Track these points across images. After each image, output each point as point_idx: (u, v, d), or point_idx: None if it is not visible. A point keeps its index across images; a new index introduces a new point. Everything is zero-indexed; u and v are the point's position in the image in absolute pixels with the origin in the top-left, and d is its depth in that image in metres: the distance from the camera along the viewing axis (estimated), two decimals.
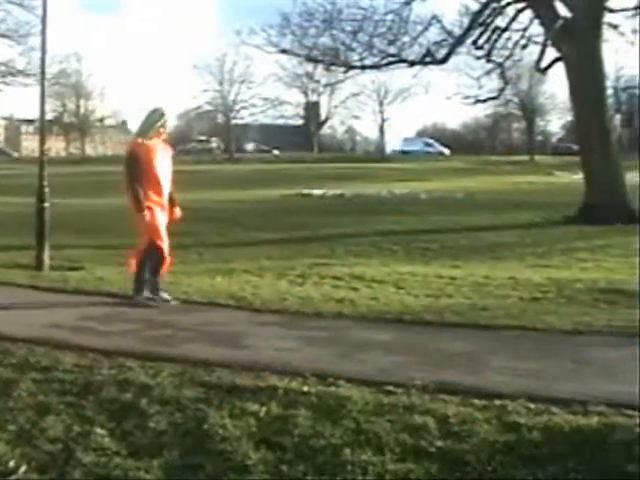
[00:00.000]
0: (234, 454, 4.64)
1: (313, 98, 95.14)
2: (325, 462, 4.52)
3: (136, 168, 9.15)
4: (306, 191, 32.50)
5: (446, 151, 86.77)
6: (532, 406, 5.45)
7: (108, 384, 6.02)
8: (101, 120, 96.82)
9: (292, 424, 5.11)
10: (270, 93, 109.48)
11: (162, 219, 9.39)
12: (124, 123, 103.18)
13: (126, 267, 9.92)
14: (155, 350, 7.13)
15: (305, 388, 5.89)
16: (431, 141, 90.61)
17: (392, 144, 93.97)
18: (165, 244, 9.37)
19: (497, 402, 5.53)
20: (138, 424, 5.19)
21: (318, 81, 76.40)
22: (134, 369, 6.42)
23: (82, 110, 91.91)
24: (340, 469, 4.42)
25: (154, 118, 9.41)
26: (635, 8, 25.21)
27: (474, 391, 5.83)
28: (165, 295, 9.44)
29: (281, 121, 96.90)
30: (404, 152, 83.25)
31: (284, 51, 32.54)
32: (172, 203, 9.66)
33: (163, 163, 9.38)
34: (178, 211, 9.76)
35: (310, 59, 33.97)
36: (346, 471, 4.39)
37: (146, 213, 9.10)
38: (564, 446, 4.74)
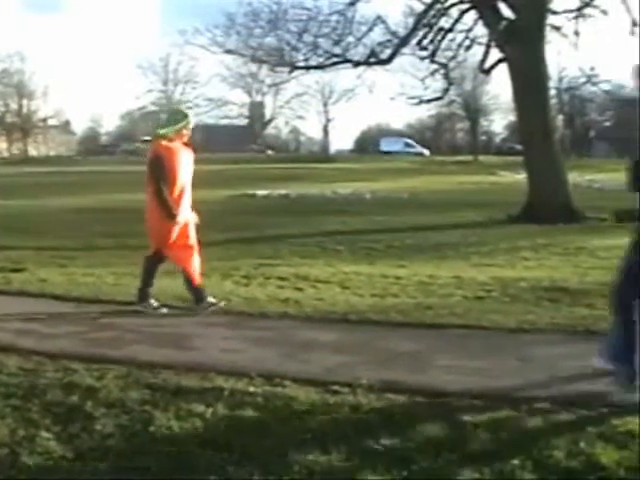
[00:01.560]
0: (181, 455, 4.63)
1: (257, 98, 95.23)
2: (272, 462, 4.52)
3: (162, 172, 8.71)
4: (251, 192, 32.41)
5: (426, 152, 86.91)
6: (477, 404, 5.50)
7: (53, 387, 5.97)
8: (44, 120, 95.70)
9: (238, 425, 5.11)
10: (214, 93, 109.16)
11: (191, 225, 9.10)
12: (67, 123, 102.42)
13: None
14: (100, 352, 7.07)
15: (251, 389, 5.90)
16: (411, 142, 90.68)
17: (336, 144, 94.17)
18: (195, 250, 9.10)
19: (442, 400, 5.58)
20: (84, 427, 5.16)
21: (263, 81, 76.68)
22: (79, 371, 6.37)
23: (25, 110, 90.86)
24: (287, 469, 4.43)
25: (177, 119, 9.02)
26: (577, 10, 25.53)
27: (420, 390, 5.87)
28: (154, 302, 9.09)
29: (225, 121, 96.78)
30: (385, 152, 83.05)
31: (229, 51, 32.49)
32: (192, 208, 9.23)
33: (186, 167, 9.00)
34: (195, 216, 9.31)
35: (255, 59, 33.95)
36: (293, 471, 4.40)
37: (179, 219, 8.79)
38: (509, 443, 4.79)
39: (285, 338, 7.77)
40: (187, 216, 9.03)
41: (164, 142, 8.84)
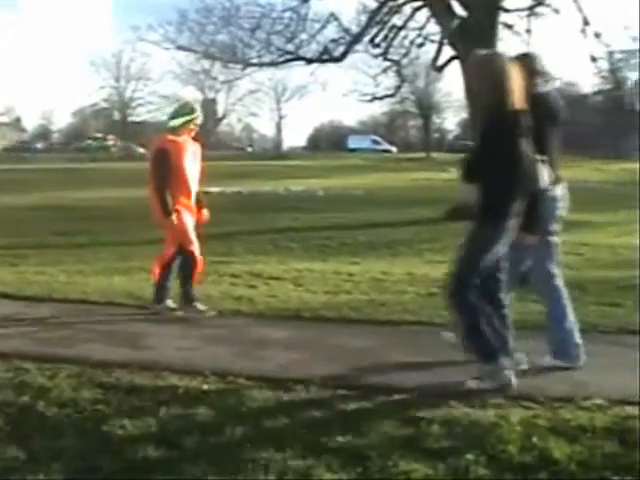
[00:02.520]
0: (134, 455, 4.61)
1: (210, 95, 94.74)
2: (226, 460, 4.52)
3: (166, 167, 8.45)
4: (204, 189, 32.23)
5: (393, 149, 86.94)
6: (431, 400, 5.53)
7: (4, 387, 5.91)
8: None
9: (192, 423, 5.10)
10: (167, 90, 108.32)
11: (190, 222, 8.76)
12: (18, 120, 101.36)
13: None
14: (53, 352, 7.00)
15: (205, 387, 5.88)
16: (379, 139, 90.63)
17: (289, 141, 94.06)
18: (196, 249, 8.77)
19: (397, 397, 5.60)
20: (36, 427, 5.11)
21: (215, 78, 75.97)
22: (31, 371, 6.30)
23: None
24: (241, 467, 4.42)
25: (185, 112, 8.75)
26: (529, 8, 25.70)
27: (374, 386, 5.89)
28: (200, 306, 8.77)
29: None
30: (352, 150, 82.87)
31: (181, 48, 32.34)
32: (199, 204, 8.98)
33: (193, 163, 8.73)
34: (206, 213, 9.08)
35: (208, 56, 33.85)
36: (247, 469, 4.39)
37: (173, 217, 8.48)
38: (463, 439, 4.82)
39: (239, 336, 7.76)
40: (189, 215, 8.78)
41: (170, 136, 8.59)
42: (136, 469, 4.42)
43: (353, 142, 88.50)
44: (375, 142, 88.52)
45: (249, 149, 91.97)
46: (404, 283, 10.76)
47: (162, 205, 8.48)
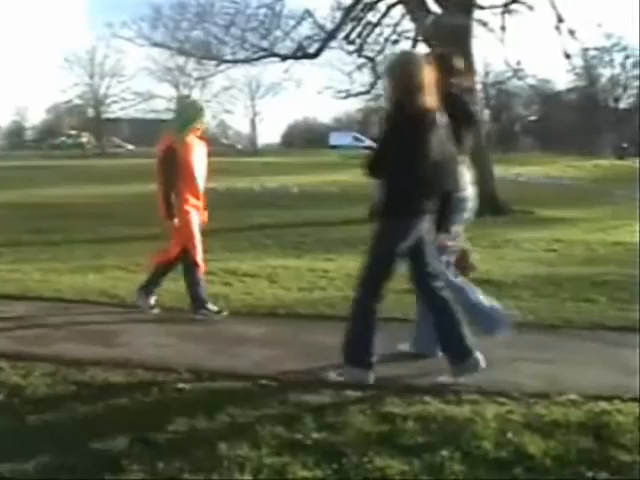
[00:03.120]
0: (109, 453, 4.59)
1: (185, 92, 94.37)
2: (201, 458, 4.51)
3: (174, 168, 8.32)
4: None
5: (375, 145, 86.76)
6: (407, 396, 5.53)
7: None
8: None
9: (167, 421, 5.08)
10: (141, 87, 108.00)
11: (197, 224, 8.63)
12: None
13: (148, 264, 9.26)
14: (27, 350, 6.94)
15: (180, 384, 5.86)
16: (360, 136, 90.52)
17: (263, 138, 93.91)
18: (199, 251, 8.62)
19: (371, 393, 5.60)
20: (11, 426, 5.09)
21: (190, 75, 75.71)
22: (5, 370, 6.26)
23: None
24: (216, 464, 4.41)
25: (192, 112, 8.65)
26: (504, 5, 25.81)
27: (349, 383, 5.88)
28: (212, 307, 8.55)
29: (152, 115, 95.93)
30: (334, 147, 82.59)
31: (156, 44, 32.32)
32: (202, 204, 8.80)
33: (200, 163, 8.57)
34: (205, 214, 8.86)
35: (182, 52, 33.84)
36: (222, 466, 4.39)
37: (176, 221, 8.36)
38: (439, 435, 4.83)
39: (213, 333, 7.75)
40: (197, 216, 8.65)
41: (177, 136, 8.44)
42: (111, 468, 4.40)
43: (335, 139, 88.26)
44: (357, 139, 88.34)
45: (238, 146, 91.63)
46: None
47: (166, 207, 8.40)
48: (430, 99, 5.86)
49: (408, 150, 5.81)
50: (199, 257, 8.60)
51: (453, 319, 6.10)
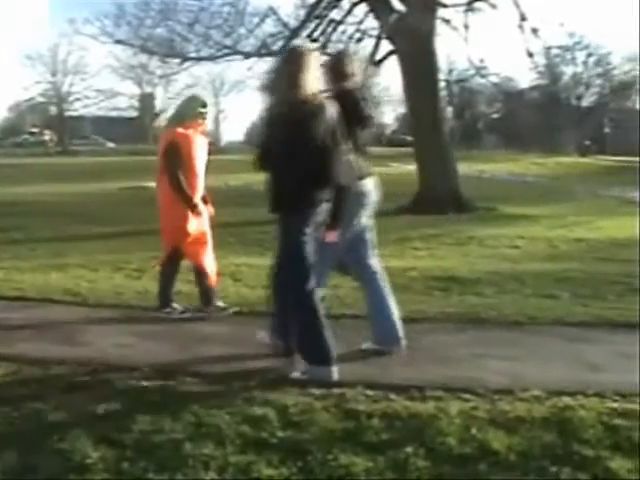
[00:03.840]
0: (73, 453, 4.55)
1: (148, 90, 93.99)
2: (166, 458, 4.48)
3: (178, 161, 8.23)
4: (143, 184, 32.04)
5: None
6: (370, 393, 5.53)
7: None
8: None
9: (131, 420, 5.05)
10: (104, 84, 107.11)
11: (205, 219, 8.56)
12: None
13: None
14: None
15: (144, 383, 5.83)
16: None
17: (227, 135, 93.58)
18: (209, 246, 8.61)
19: (336, 390, 5.60)
20: None
21: (153, 73, 75.50)
22: None
23: None
24: (181, 464, 4.39)
25: (194, 106, 8.51)
26: (467, 3, 25.94)
27: (312, 380, 5.88)
28: (220, 304, 8.56)
29: (115, 113, 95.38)
30: None
31: (119, 42, 32.19)
32: (204, 200, 8.67)
33: (202, 156, 8.51)
34: (211, 208, 8.77)
35: (145, 50, 33.68)
36: (188, 466, 4.37)
37: (199, 206, 8.32)
38: (403, 431, 4.84)
39: (178, 332, 7.72)
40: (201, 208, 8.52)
41: (180, 129, 8.35)
42: (75, 469, 4.37)
43: None
44: None
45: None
46: (340, 277, 10.77)
47: (182, 197, 8.25)
48: (315, 91, 5.95)
49: (293, 141, 5.85)
50: (206, 257, 8.62)
51: (320, 321, 6.12)
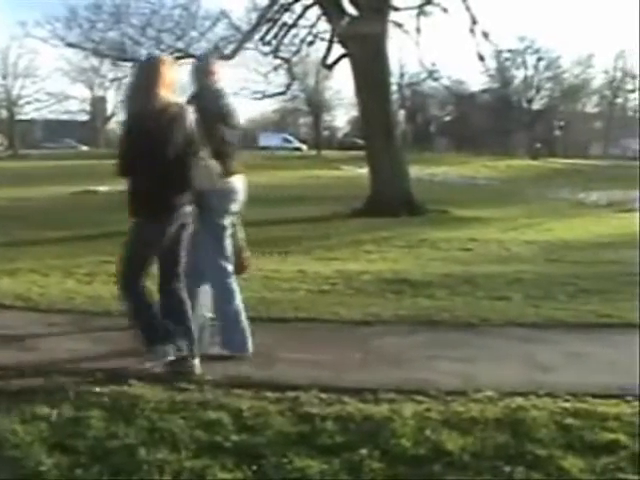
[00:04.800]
0: (26, 461, 4.51)
1: (99, 93, 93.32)
2: (120, 463, 4.46)
3: None
4: (92, 188, 31.82)
5: (303, 146, 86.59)
6: (324, 396, 5.54)
7: None
8: None
9: (85, 426, 5.01)
10: (55, 88, 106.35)
11: None
12: None
13: None
14: None
15: (97, 389, 5.78)
16: (289, 137, 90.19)
17: None
18: None
19: (290, 394, 5.60)
20: None
21: (104, 76, 74.91)
22: None
23: None
24: (136, 469, 4.37)
25: None
26: (418, 7, 26.07)
27: (267, 384, 5.88)
28: None
29: (66, 116, 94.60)
30: (263, 147, 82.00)
31: (70, 45, 32.01)
32: None
33: None
34: None
35: (97, 53, 33.53)
36: (142, 471, 4.35)
37: None
38: (357, 434, 4.85)
39: (130, 337, 7.66)
40: None
41: None
42: (29, 476, 4.33)
43: (264, 139, 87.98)
44: (286, 140, 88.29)
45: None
46: (295, 281, 10.79)
47: None
48: (171, 96, 6.16)
49: (149, 146, 5.95)
50: None
51: (187, 322, 6.30)
